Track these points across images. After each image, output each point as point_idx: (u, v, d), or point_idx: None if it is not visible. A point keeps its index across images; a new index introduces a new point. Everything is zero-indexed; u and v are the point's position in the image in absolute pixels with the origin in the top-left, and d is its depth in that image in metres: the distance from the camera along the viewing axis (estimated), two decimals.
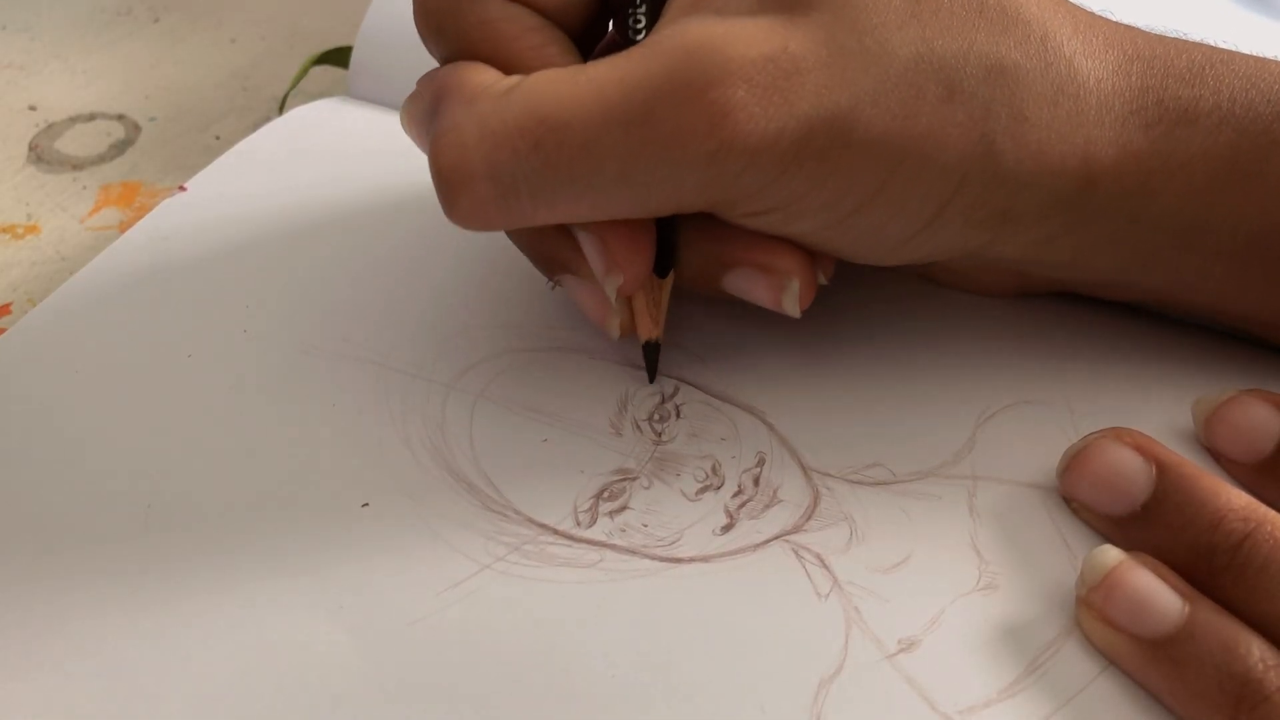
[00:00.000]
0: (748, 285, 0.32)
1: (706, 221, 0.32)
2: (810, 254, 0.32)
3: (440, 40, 0.32)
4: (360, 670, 0.28)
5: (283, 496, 0.32)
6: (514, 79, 0.30)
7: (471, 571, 0.30)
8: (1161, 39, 0.32)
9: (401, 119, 0.33)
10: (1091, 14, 0.32)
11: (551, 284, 0.34)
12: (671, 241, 0.33)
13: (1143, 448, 0.30)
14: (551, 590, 0.30)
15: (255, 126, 0.48)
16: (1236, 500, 0.28)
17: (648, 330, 0.33)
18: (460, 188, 0.29)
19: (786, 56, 0.28)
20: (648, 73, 0.28)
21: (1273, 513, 0.28)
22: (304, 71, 0.49)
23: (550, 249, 0.33)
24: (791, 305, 0.32)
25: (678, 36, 0.29)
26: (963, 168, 0.30)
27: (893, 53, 0.29)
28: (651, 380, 0.34)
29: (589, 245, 0.31)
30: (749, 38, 0.28)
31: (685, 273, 0.33)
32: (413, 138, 0.33)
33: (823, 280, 0.33)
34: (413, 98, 0.32)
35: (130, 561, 0.30)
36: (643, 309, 0.33)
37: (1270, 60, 0.32)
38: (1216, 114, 0.31)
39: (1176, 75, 0.31)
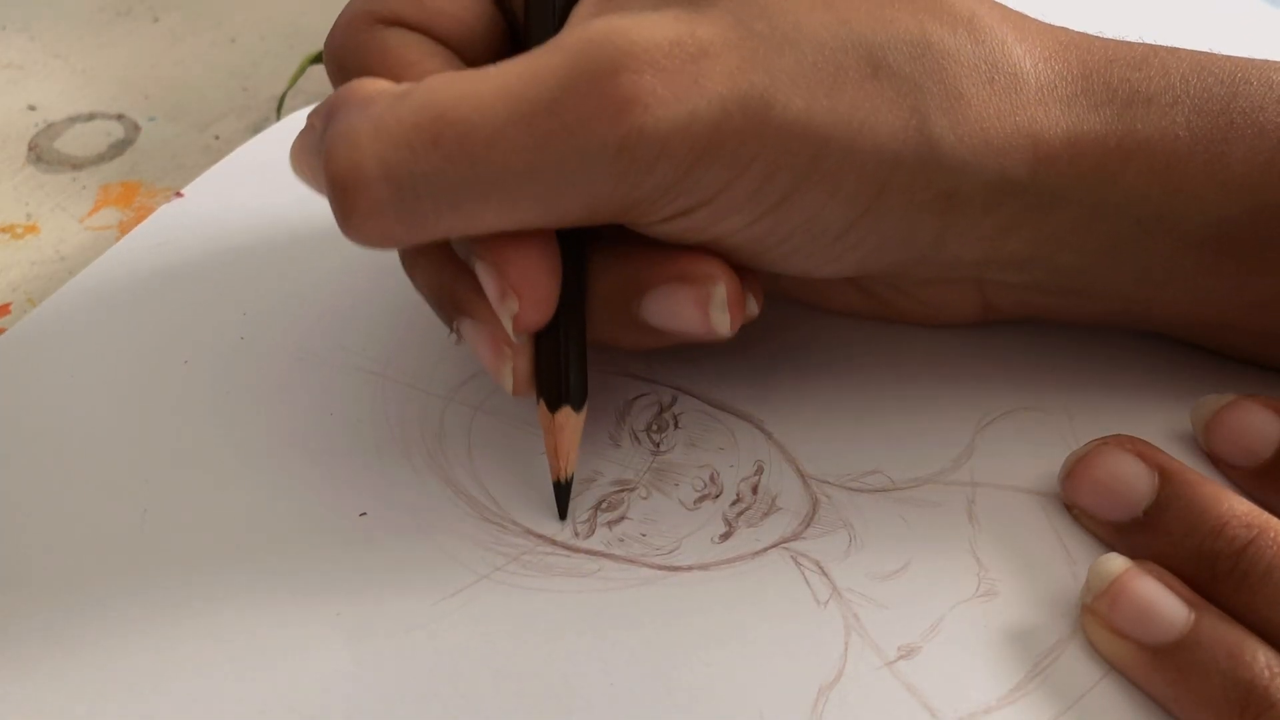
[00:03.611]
0: (670, 305, 0.30)
1: (618, 246, 0.31)
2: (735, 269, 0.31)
3: (343, 78, 0.30)
4: (357, 679, 0.28)
5: (280, 504, 0.32)
6: (410, 84, 0.28)
7: (469, 581, 0.30)
8: (1096, 35, 0.31)
9: (291, 158, 0.30)
10: (1018, 13, 0.31)
11: (455, 337, 0.32)
12: (583, 362, 0.31)
13: (1144, 454, 0.30)
14: (550, 600, 0.29)
15: (255, 126, 0.48)
16: (1239, 507, 0.28)
17: (557, 469, 0.31)
18: (355, 192, 0.27)
19: (693, 40, 0.27)
20: (550, 65, 0.27)
21: (1274, 519, 0.28)
22: (302, 70, 0.49)
23: (449, 286, 0.31)
24: (720, 318, 0.30)
25: (580, 31, 0.27)
26: (895, 145, 0.28)
27: (809, 35, 0.28)
28: (563, 518, 0.31)
29: (485, 272, 0.29)
30: (653, 25, 0.27)
31: (600, 315, 0.31)
32: (304, 177, 0.30)
33: (754, 309, 0.31)
34: (303, 133, 0.30)
35: (125, 566, 0.30)
36: (553, 447, 0.31)
37: (1215, 53, 0.31)
38: (1169, 94, 0.30)
39: (1120, 61, 0.30)
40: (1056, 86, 0.30)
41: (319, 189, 0.29)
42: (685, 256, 0.30)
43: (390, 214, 0.27)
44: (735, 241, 0.30)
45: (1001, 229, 0.31)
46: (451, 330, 0.32)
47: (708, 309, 0.30)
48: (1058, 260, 0.32)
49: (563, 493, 0.31)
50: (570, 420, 0.31)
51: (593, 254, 0.31)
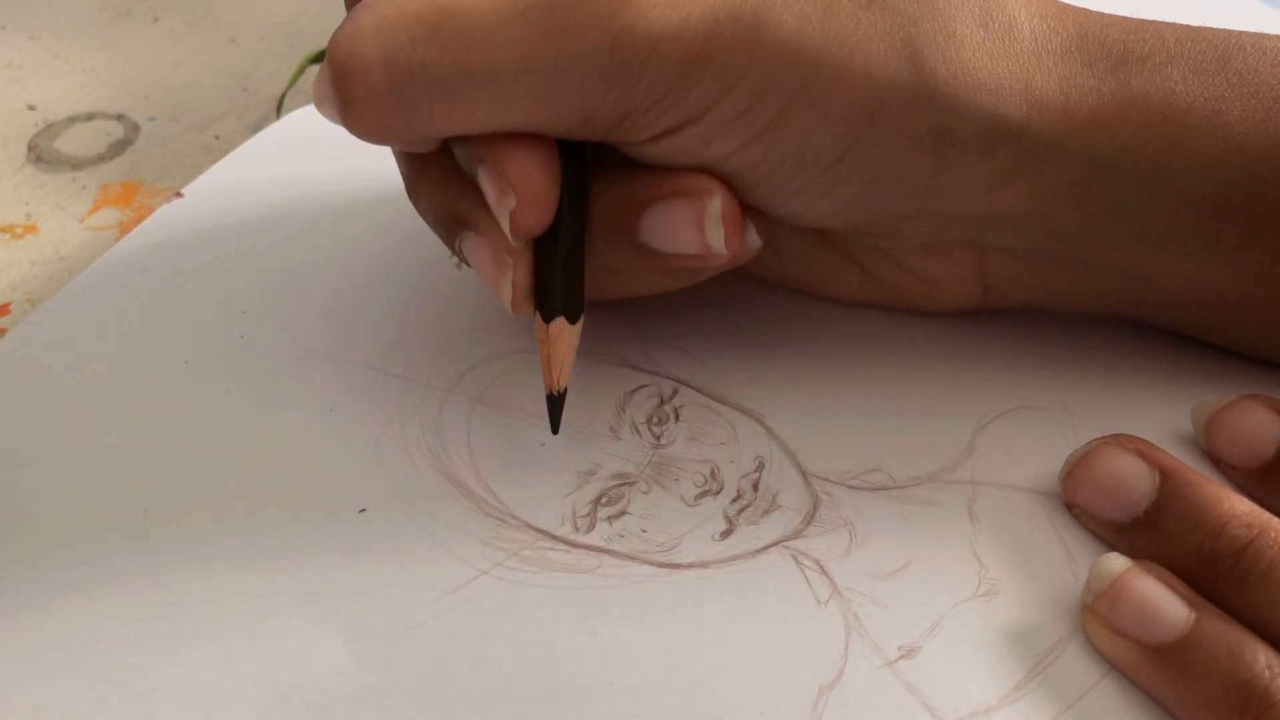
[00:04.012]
0: (667, 221, 0.30)
1: (618, 168, 0.31)
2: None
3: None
4: (357, 676, 0.28)
5: (280, 501, 0.32)
6: None
7: (469, 577, 0.30)
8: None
9: (314, 97, 0.30)
10: None
11: (456, 260, 0.32)
12: (580, 275, 0.31)
13: (1145, 454, 0.30)
14: (549, 596, 0.29)
15: (255, 126, 0.48)
16: (1239, 507, 0.28)
17: (550, 381, 0.31)
18: (353, 77, 0.28)
19: None
20: None
21: (1275, 519, 0.28)
22: (301, 70, 0.49)
23: (452, 202, 0.31)
24: (715, 232, 0.30)
25: None
26: (887, 74, 0.29)
27: None
28: (555, 431, 0.32)
29: (486, 175, 0.30)
30: None
31: (601, 237, 0.31)
32: (325, 110, 0.30)
33: (755, 240, 0.32)
34: (323, 68, 0.30)
35: (126, 565, 0.30)
36: (548, 355, 0.31)
37: (1208, 26, 0.32)
38: (1162, 53, 0.30)
39: (1115, 25, 0.31)
40: (1051, 41, 0.30)
41: (337, 118, 0.30)
42: (682, 174, 0.30)
43: (387, 101, 0.28)
44: (727, 169, 0.30)
45: (997, 179, 0.31)
46: (453, 252, 0.32)
47: (704, 222, 0.30)
48: (1056, 219, 0.32)
49: (556, 405, 0.31)
50: (565, 332, 0.31)
51: (594, 177, 0.31)
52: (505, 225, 0.30)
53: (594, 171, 0.31)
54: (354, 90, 0.28)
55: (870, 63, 0.29)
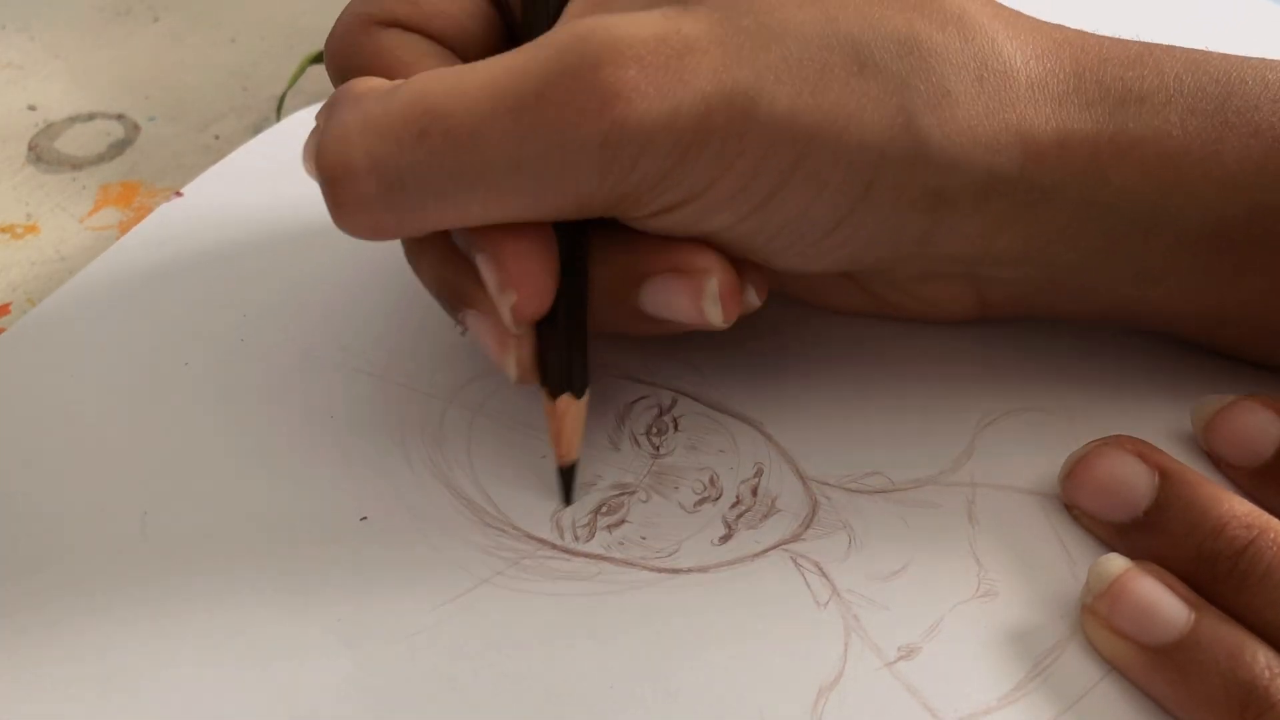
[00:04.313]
0: (666, 296, 0.30)
1: (619, 235, 0.31)
2: (733, 261, 0.31)
3: (343, 80, 0.31)
4: (358, 683, 0.28)
5: (280, 508, 0.32)
6: (401, 80, 0.28)
7: (470, 585, 0.30)
8: (1091, 32, 0.31)
9: (302, 158, 0.31)
10: (1012, 9, 0.31)
11: (461, 329, 0.32)
12: (584, 350, 0.31)
13: (1145, 455, 0.30)
14: (550, 602, 0.29)
15: (255, 126, 0.48)
16: (1239, 507, 0.28)
17: (562, 453, 0.31)
18: (343, 185, 0.28)
19: (679, 37, 0.27)
20: (537, 59, 0.27)
21: (1275, 520, 0.28)
22: (301, 70, 0.49)
23: (452, 278, 0.31)
24: (713, 309, 0.30)
25: (568, 28, 0.28)
26: (882, 142, 0.28)
27: (794, 31, 0.28)
28: (568, 504, 0.32)
29: (484, 264, 0.29)
30: (639, 22, 0.28)
31: (601, 305, 0.31)
32: (312, 175, 0.30)
33: (754, 300, 0.31)
34: (310, 133, 0.30)
35: (125, 569, 0.30)
36: (558, 430, 0.31)
37: (1210, 51, 0.31)
38: (1162, 93, 0.30)
39: (1114, 60, 0.30)
40: (1048, 84, 0.30)
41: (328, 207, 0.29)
42: (682, 248, 0.30)
43: (378, 206, 0.28)
44: (726, 237, 0.30)
45: (990, 228, 0.30)
46: (457, 322, 0.32)
47: (701, 299, 0.30)
48: (1053, 257, 0.31)
49: (568, 477, 0.31)
50: (572, 407, 0.31)
51: (593, 244, 0.31)
52: (506, 316, 0.29)
53: (593, 238, 0.31)
54: (345, 198, 0.28)
55: (865, 132, 0.28)
